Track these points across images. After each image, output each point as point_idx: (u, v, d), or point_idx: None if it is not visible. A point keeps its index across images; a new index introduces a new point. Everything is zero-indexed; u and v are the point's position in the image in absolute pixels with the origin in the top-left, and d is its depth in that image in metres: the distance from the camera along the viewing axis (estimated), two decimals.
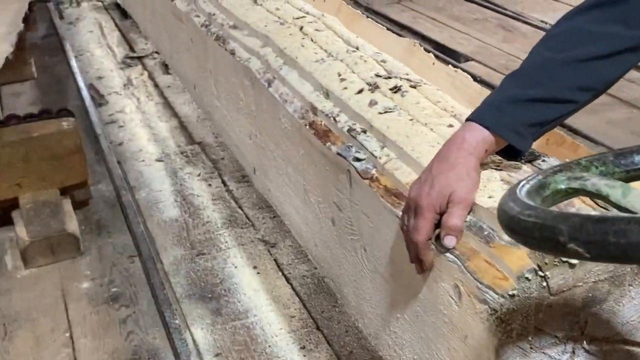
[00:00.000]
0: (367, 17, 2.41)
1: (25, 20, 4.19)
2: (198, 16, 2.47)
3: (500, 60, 4.36)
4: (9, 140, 2.59)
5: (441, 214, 1.19)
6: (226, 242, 2.64)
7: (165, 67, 4.22)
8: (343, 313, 2.08)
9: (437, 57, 2.25)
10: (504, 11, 5.04)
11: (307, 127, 1.65)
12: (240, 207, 2.85)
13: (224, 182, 3.03)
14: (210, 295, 2.38)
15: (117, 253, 2.64)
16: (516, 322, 1.03)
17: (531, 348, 1.05)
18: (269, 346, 2.13)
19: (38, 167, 2.62)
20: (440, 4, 5.31)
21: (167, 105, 3.78)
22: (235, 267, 2.50)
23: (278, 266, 2.47)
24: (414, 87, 1.57)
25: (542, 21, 4.70)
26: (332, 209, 1.60)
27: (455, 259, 1.15)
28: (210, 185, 3.02)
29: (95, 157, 3.22)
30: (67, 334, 2.26)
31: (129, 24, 5.05)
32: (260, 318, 2.25)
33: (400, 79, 1.60)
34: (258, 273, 2.45)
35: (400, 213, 1.26)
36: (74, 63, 4.31)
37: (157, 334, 2.24)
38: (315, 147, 1.62)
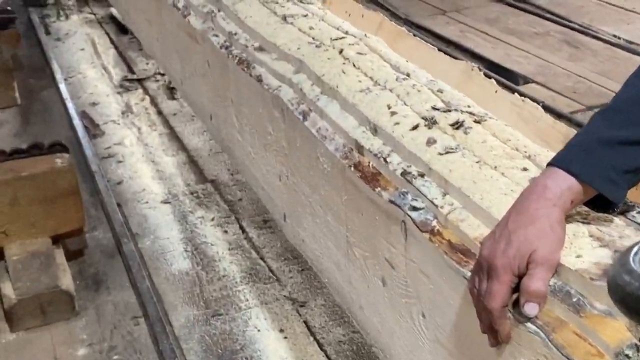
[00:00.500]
0: (414, 34, 2.45)
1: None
2: (217, 35, 2.53)
3: (566, 82, 4.39)
4: None
5: (520, 277, 1.20)
6: (247, 300, 2.68)
7: (171, 91, 4.30)
8: None
9: (488, 76, 2.28)
10: (569, 24, 5.09)
11: (352, 168, 1.68)
12: (262, 258, 2.88)
13: (242, 228, 3.07)
14: None
15: (119, 313, 2.68)
16: None
17: None
18: None
19: (27, 212, 2.68)
20: (493, 15, 5.37)
21: (174, 136, 3.85)
22: (258, 330, 2.53)
23: (309, 329, 2.50)
24: (479, 122, 1.60)
25: (614, 35, 4.74)
26: (382, 266, 1.62)
27: (538, 330, 1.16)
28: (226, 231, 3.07)
29: (91, 199, 3.27)
30: None
31: (127, 41, 5.16)
32: None
33: (462, 112, 1.63)
34: (285, 337, 2.48)
35: (469, 273, 1.28)
36: (63, 87, 4.41)
37: None
38: (361, 192, 1.65)
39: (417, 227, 1.44)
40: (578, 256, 1.21)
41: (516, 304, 1.22)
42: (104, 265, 2.93)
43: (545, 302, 1.19)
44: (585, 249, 1.22)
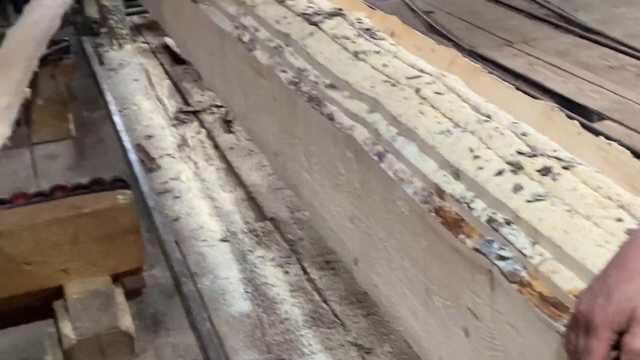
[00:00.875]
0: (490, 72, 2.48)
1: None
2: (285, 71, 2.58)
3: None
4: (55, 217, 2.72)
5: (620, 334, 1.21)
6: (310, 345, 2.73)
7: (227, 124, 4.39)
8: None
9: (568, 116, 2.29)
10: None
11: (433, 213, 1.71)
12: (325, 301, 2.93)
13: (304, 269, 3.12)
14: None
15: (178, 356, 2.75)
16: None
17: None
18: None
19: (88, 250, 2.75)
20: (563, 47, 5.39)
21: (231, 171, 3.93)
22: None
23: None
24: (567, 168, 1.61)
25: None
26: (465, 317, 1.64)
27: None
28: (287, 272, 3.12)
29: (148, 236, 3.34)
30: None
31: (182, 71, 5.28)
32: None
33: (548, 157, 1.65)
34: None
35: (563, 328, 1.29)
36: (117, 119, 4.53)
37: None
38: (443, 238, 1.68)
39: (505, 277, 1.46)
40: None
41: None
42: (162, 306, 3.00)
43: None
44: None
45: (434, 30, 5.76)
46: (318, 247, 3.25)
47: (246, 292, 3.03)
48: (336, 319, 2.83)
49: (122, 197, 2.81)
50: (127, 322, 2.74)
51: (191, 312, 2.87)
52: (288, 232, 3.38)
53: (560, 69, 5.00)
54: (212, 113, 4.59)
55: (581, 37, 5.58)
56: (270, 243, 3.31)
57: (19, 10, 6.80)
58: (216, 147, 4.21)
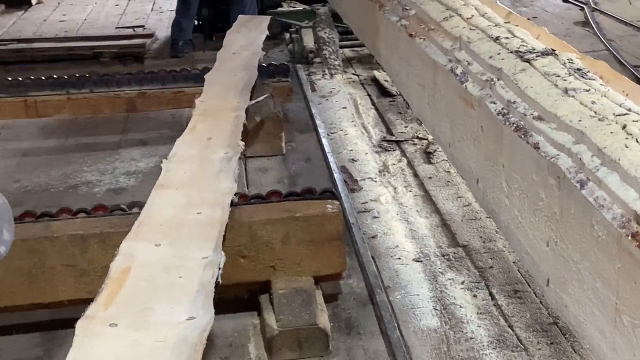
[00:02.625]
0: None
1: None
2: (494, 103, 2.72)
3: None
4: (269, 218, 2.97)
5: None
6: None
7: (427, 155, 4.57)
8: None
9: None
10: None
11: (629, 237, 1.81)
12: (510, 327, 3.03)
13: (491, 295, 3.24)
14: None
15: (369, 358, 2.91)
16: None
17: None
18: None
19: (296, 251, 2.98)
20: None
21: (428, 199, 4.10)
22: None
23: None
24: None
25: None
26: None
27: None
28: (475, 296, 3.24)
29: (346, 249, 3.55)
30: None
31: (387, 103, 5.53)
32: None
33: None
34: None
35: None
36: (325, 141, 4.82)
37: None
38: (637, 261, 1.77)
39: None
40: None
41: None
42: (356, 312, 3.19)
43: None
44: None
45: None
46: (507, 276, 3.35)
47: (435, 309, 3.17)
48: (520, 344, 2.92)
49: (330, 206, 3.03)
50: (324, 320, 2.95)
51: (383, 320, 3.04)
52: (479, 260, 3.50)
53: None
54: (414, 144, 4.79)
55: None
56: (461, 268, 3.44)
57: (210, 37, 7.32)
58: (415, 175, 4.39)
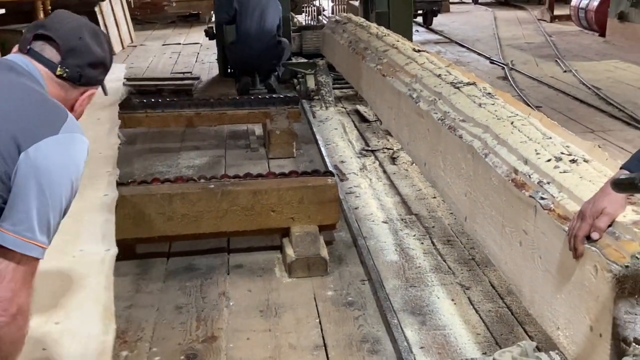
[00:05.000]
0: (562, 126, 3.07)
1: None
2: (436, 113, 3.27)
3: None
4: (291, 186, 3.48)
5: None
6: (432, 281, 3.33)
7: (392, 160, 5.08)
8: None
9: None
10: None
11: (510, 181, 2.36)
12: (444, 260, 3.53)
13: (432, 243, 3.74)
14: (418, 312, 3.07)
15: (353, 277, 3.40)
16: (628, 284, 1.66)
17: (637, 303, 1.66)
18: None
19: (307, 208, 3.45)
20: (630, 137, 5.67)
21: (392, 186, 4.60)
22: (438, 298, 3.18)
23: (471, 302, 3.14)
24: (586, 161, 2.25)
25: None
26: (520, 235, 2.27)
27: (597, 249, 1.79)
28: (422, 243, 3.74)
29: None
30: (317, 320, 3.03)
31: (366, 126, 6.04)
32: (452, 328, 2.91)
33: (576, 157, 2.29)
34: (455, 304, 3.12)
35: (566, 228, 1.93)
36: (323, 150, 5.29)
37: (380, 329, 2.95)
38: (514, 194, 2.32)
39: (543, 208, 2.11)
40: (624, 216, 1.83)
41: (588, 237, 1.85)
42: (345, 251, 3.66)
43: (603, 234, 1.81)
44: (628, 214, 1.84)
45: None
46: (444, 232, 3.84)
47: (395, 250, 3.64)
48: (450, 270, 3.40)
49: (330, 180, 3.54)
50: (324, 253, 3.43)
51: (362, 255, 3.52)
52: (425, 222, 3.99)
53: (625, 150, 5.36)
54: (384, 152, 5.28)
55: None
56: (414, 227, 3.92)
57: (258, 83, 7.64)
58: (384, 172, 4.87)
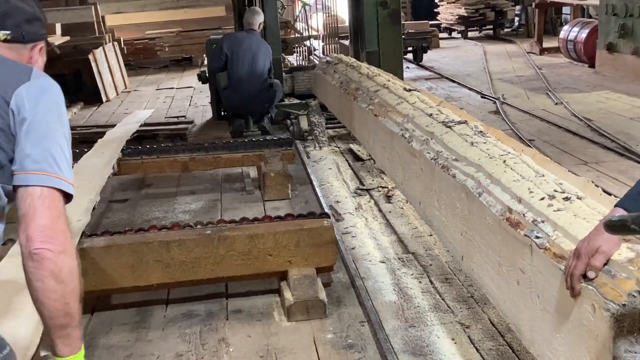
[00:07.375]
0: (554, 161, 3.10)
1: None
2: (429, 153, 3.30)
3: None
4: (287, 229, 3.49)
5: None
6: (431, 320, 3.31)
7: (388, 198, 5.10)
8: None
9: None
10: None
11: (505, 220, 2.38)
12: (443, 299, 3.53)
13: (430, 281, 3.73)
14: (418, 353, 3.05)
15: (352, 319, 3.39)
16: (626, 322, 1.66)
17: (636, 341, 1.66)
18: None
19: (304, 251, 3.45)
20: (624, 168, 5.69)
21: (388, 225, 4.60)
22: (438, 337, 3.17)
23: (471, 341, 3.12)
24: (580, 198, 2.27)
25: None
26: (518, 274, 2.28)
27: (593, 288, 1.80)
28: (420, 282, 3.73)
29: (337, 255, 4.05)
30: None
31: (359, 165, 6.06)
32: None
33: (570, 194, 2.31)
34: (455, 343, 3.11)
35: (563, 267, 1.94)
36: (318, 190, 5.30)
37: None
38: (509, 233, 2.34)
39: (538, 247, 2.12)
40: (619, 254, 1.84)
41: (585, 276, 1.86)
42: (343, 293, 3.65)
43: (599, 273, 1.82)
44: (623, 252, 1.85)
45: None
46: (441, 270, 3.84)
47: (394, 290, 3.63)
48: (449, 308, 3.40)
49: (326, 222, 3.55)
50: (323, 295, 3.43)
51: (361, 296, 3.52)
52: (422, 261, 3.98)
53: (619, 181, 5.40)
54: (378, 191, 5.29)
55: (638, 162, 5.89)
56: (411, 266, 3.92)
57: (254, 123, 7.71)
58: (380, 210, 4.87)
